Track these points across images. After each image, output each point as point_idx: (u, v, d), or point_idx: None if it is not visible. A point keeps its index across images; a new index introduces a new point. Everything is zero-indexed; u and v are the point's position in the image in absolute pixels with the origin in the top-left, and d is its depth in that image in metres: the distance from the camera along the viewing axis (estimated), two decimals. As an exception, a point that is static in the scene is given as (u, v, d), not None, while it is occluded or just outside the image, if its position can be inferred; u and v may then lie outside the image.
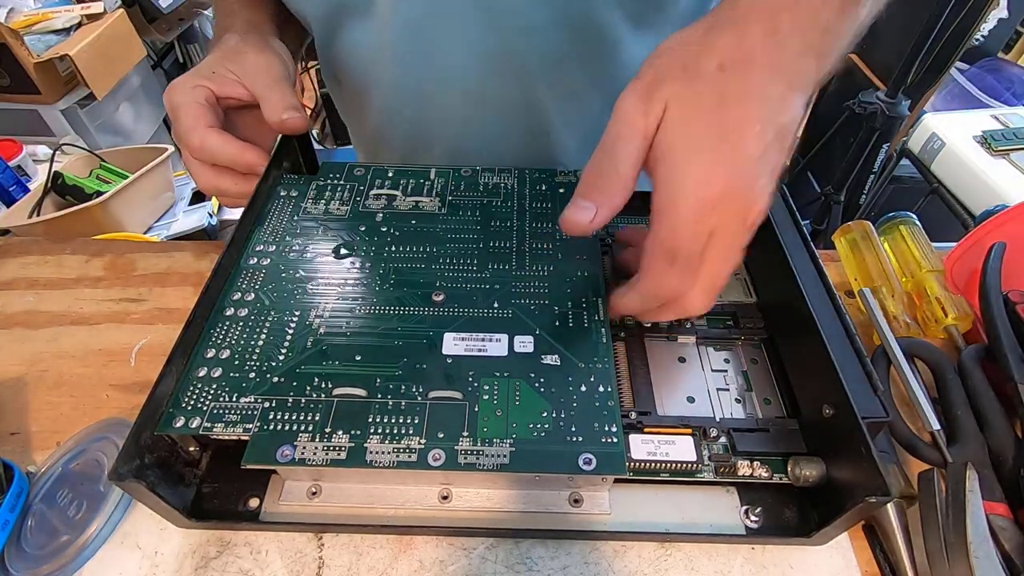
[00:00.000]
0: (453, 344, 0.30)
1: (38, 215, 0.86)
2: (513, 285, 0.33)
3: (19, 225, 0.83)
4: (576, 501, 0.28)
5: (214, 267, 0.32)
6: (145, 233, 0.96)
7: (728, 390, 0.31)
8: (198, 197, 1.09)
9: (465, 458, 0.25)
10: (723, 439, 0.29)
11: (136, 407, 0.25)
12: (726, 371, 0.32)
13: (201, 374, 0.28)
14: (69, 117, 1.12)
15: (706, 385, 0.31)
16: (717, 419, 0.30)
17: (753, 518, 0.28)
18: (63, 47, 1.04)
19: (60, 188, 0.90)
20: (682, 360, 0.33)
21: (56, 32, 1.07)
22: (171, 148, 0.98)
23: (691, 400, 0.31)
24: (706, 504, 0.29)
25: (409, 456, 0.25)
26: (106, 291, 0.42)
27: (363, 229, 0.36)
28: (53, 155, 0.95)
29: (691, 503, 0.29)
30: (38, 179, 0.99)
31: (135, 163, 0.94)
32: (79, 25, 1.10)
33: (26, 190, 0.96)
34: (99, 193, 0.87)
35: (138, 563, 0.28)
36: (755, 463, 0.28)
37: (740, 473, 0.28)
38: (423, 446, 0.26)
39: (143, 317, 0.40)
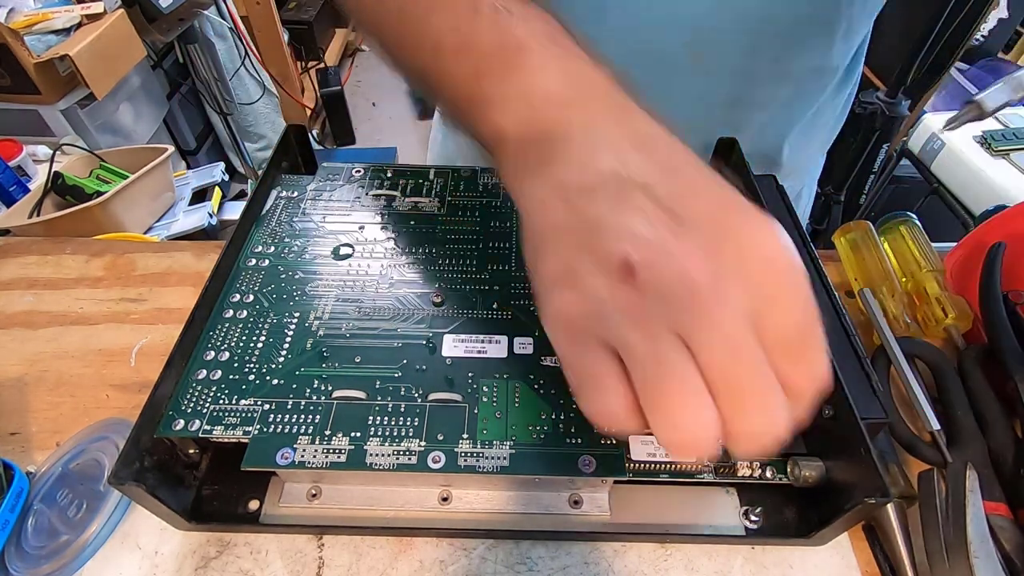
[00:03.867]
0: (452, 346, 0.30)
1: (38, 215, 0.86)
2: (512, 286, 0.33)
3: (19, 225, 0.83)
4: (576, 502, 0.28)
5: (213, 269, 0.32)
6: (145, 233, 0.96)
7: (728, 391, 0.31)
8: (198, 197, 1.09)
9: (465, 460, 0.25)
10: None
11: (136, 407, 0.25)
12: (726, 372, 0.32)
13: (200, 376, 0.28)
14: (69, 117, 1.12)
15: (706, 386, 0.31)
16: (717, 420, 0.30)
17: (753, 518, 0.28)
18: (63, 47, 1.04)
19: (60, 188, 0.90)
20: (682, 361, 0.32)
21: (56, 32, 1.07)
22: (171, 148, 0.98)
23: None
24: (706, 504, 0.29)
25: (409, 459, 0.25)
26: (106, 291, 0.42)
27: (362, 230, 0.36)
28: (53, 155, 0.95)
29: (691, 504, 0.29)
30: (38, 179, 0.99)
31: (135, 163, 0.94)
32: (79, 25, 1.10)
33: (26, 190, 0.96)
34: (99, 193, 0.87)
35: (138, 563, 0.28)
36: (755, 464, 0.28)
37: (740, 474, 0.28)
38: (423, 448, 0.26)
39: (143, 317, 0.40)
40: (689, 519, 0.28)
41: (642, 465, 0.28)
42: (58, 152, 0.96)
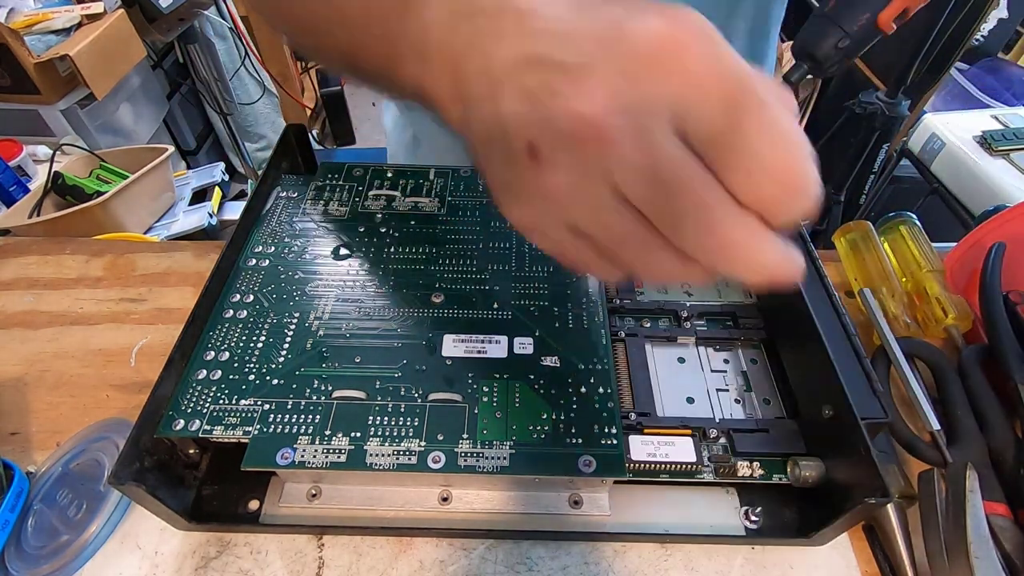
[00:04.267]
0: (452, 346, 0.30)
1: (38, 215, 0.86)
2: (512, 286, 0.33)
3: (19, 225, 0.83)
4: (576, 502, 0.28)
5: (213, 269, 0.32)
6: (145, 233, 0.96)
7: (728, 391, 0.31)
8: (198, 197, 1.09)
9: (465, 460, 0.25)
10: (723, 440, 0.29)
11: (136, 407, 0.25)
12: (725, 372, 0.32)
13: (200, 376, 0.28)
14: (69, 117, 1.12)
15: (705, 386, 0.31)
16: (717, 420, 0.30)
17: (753, 519, 0.28)
18: (63, 47, 1.04)
19: (60, 188, 0.90)
20: (681, 361, 0.33)
21: (56, 32, 1.07)
22: (171, 148, 0.98)
23: (691, 401, 0.31)
24: (706, 505, 0.29)
25: (409, 459, 0.25)
26: (106, 291, 0.42)
27: (362, 230, 0.36)
28: (53, 155, 0.95)
29: (691, 504, 0.29)
30: (38, 179, 0.99)
31: (135, 163, 0.94)
32: (79, 25, 1.10)
33: (26, 190, 0.96)
34: (99, 193, 0.87)
35: (138, 563, 0.28)
36: (755, 464, 0.28)
37: (740, 474, 0.28)
38: (423, 448, 0.26)
39: (143, 317, 0.40)
40: (689, 519, 0.28)
41: (642, 465, 0.28)
42: (58, 152, 0.96)
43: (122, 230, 0.87)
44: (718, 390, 0.31)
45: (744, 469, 0.28)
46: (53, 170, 0.90)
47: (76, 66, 1.03)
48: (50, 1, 1.13)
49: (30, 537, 0.29)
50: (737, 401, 0.31)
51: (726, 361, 0.33)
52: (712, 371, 0.32)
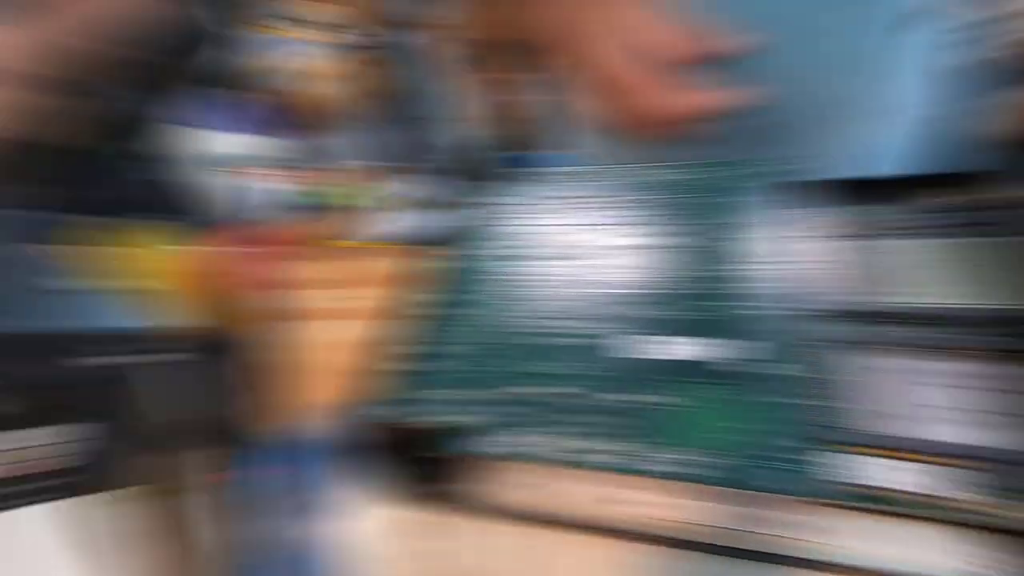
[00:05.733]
0: (637, 345, 0.29)
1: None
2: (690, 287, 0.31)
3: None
4: (782, 524, 0.27)
5: (420, 272, 0.35)
6: (351, 239, 1.06)
7: (984, 413, 0.27)
8: (404, 205, 1.18)
9: (671, 468, 0.25)
10: (969, 471, 0.25)
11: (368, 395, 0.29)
12: (984, 390, 0.28)
13: (436, 368, 0.30)
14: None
15: (952, 404, 0.28)
16: (961, 445, 0.26)
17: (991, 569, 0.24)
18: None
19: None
20: (923, 374, 0.29)
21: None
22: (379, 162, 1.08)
23: (929, 421, 0.27)
24: (934, 545, 0.25)
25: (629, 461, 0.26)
26: (336, 291, 0.48)
27: (580, 232, 0.37)
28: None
29: (918, 542, 0.26)
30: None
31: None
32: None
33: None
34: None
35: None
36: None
37: (983, 512, 0.24)
38: (631, 451, 0.26)
39: (359, 314, 0.44)
40: (897, 557, 0.25)
41: (864, 490, 0.25)
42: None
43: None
44: (968, 411, 0.27)
45: (990, 508, 0.24)
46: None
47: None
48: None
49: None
50: (993, 426, 0.27)
51: (987, 377, 0.28)
52: (958, 388, 0.28)
